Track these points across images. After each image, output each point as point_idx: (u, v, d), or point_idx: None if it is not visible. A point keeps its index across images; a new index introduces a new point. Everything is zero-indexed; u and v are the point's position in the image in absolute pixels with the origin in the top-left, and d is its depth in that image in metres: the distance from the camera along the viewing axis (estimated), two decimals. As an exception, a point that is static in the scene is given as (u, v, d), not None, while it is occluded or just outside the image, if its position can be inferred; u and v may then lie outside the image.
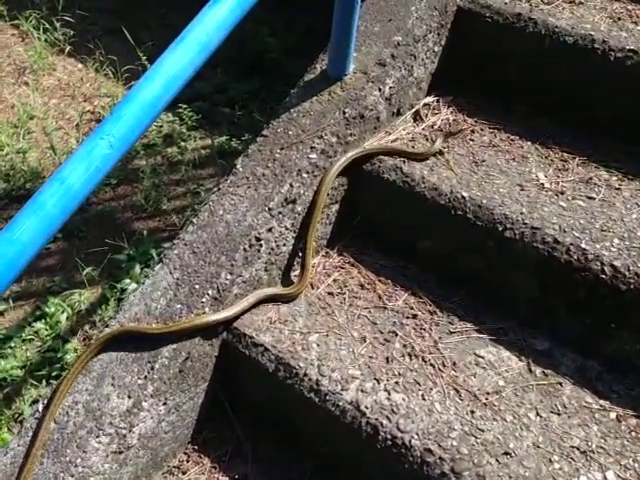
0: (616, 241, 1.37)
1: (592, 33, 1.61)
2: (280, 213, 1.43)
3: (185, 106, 3.24)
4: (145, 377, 1.21)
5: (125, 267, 2.46)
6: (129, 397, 1.19)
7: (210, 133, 3.24)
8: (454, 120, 1.73)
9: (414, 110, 1.74)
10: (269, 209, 1.42)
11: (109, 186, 3.06)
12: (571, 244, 1.36)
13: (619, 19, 1.73)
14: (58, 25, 3.60)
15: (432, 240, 1.53)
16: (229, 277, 1.35)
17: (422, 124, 1.72)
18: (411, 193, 1.52)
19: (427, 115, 1.74)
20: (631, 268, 1.31)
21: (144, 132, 1.04)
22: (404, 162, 1.56)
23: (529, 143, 1.66)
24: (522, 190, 1.51)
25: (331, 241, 1.59)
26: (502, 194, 1.49)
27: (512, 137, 1.68)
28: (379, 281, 1.52)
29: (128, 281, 2.36)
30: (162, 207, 2.83)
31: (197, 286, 1.33)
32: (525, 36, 1.67)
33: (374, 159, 1.56)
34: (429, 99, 1.78)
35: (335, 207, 1.57)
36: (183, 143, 3.18)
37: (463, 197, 1.47)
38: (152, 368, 1.22)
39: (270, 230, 1.41)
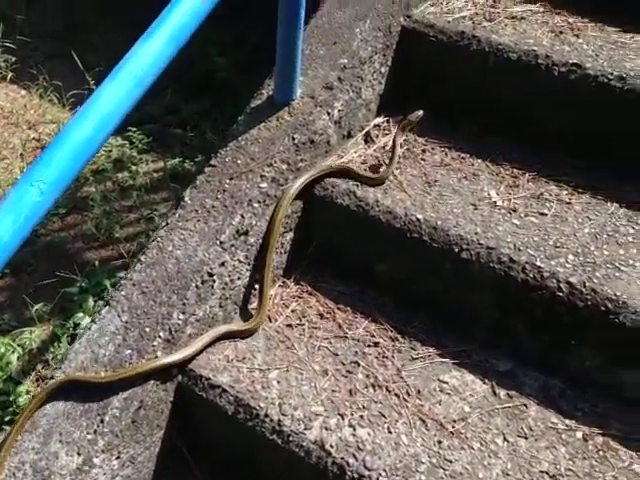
0: (571, 257, 1.38)
1: (535, 48, 1.63)
2: (232, 246, 1.39)
3: (135, 129, 3.16)
4: (95, 431, 1.14)
5: (78, 300, 2.37)
6: (79, 454, 1.13)
7: (162, 156, 3.16)
8: (405, 140, 1.72)
9: (365, 132, 1.72)
10: (221, 242, 1.37)
11: (57, 216, 2.95)
12: (526, 262, 1.36)
13: (561, 32, 1.75)
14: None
15: (389, 264, 1.51)
16: (181, 317, 1.29)
17: (373, 145, 1.70)
18: (365, 217, 1.49)
19: (378, 136, 1.73)
20: (587, 284, 1.31)
21: (78, 174, 0.98)
22: (357, 186, 1.53)
23: (479, 161, 1.66)
24: (476, 209, 1.50)
25: (287, 270, 1.55)
26: (456, 214, 1.48)
27: (463, 155, 1.68)
28: (338, 309, 1.49)
29: (81, 315, 2.27)
30: (114, 235, 2.74)
31: (147, 329, 1.27)
32: (469, 54, 1.67)
33: (327, 184, 1.54)
34: (379, 120, 1.77)
35: (290, 235, 1.54)
36: (134, 167, 3.10)
37: (418, 219, 1.46)
38: (102, 421, 1.15)
39: (223, 264, 1.37)
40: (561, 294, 1.32)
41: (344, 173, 1.56)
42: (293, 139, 1.51)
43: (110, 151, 3.21)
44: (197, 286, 1.32)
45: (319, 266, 1.57)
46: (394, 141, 1.62)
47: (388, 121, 1.77)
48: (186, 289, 1.31)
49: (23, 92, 3.58)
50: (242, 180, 1.46)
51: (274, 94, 1.56)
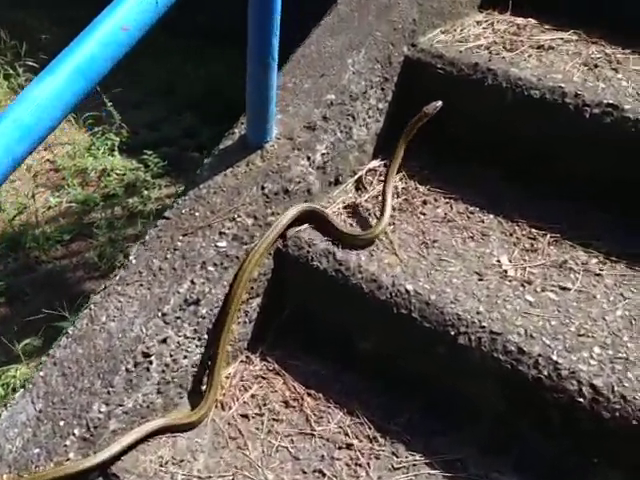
0: (596, 350, 1.09)
1: (563, 85, 1.35)
2: (178, 318, 1.15)
3: (150, 152, 3.00)
4: None
5: (67, 336, 2.17)
6: None
7: (176, 180, 3.01)
8: (404, 189, 1.46)
9: (356, 177, 1.47)
10: (163, 314, 1.14)
11: (61, 243, 2.81)
12: (540, 355, 1.08)
13: (596, 66, 1.47)
14: (21, 71, 3.40)
15: (372, 341, 1.25)
16: (104, 409, 1.06)
17: (365, 194, 1.45)
18: (346, 285, 1.24)
19: (372, 183, 1.47)
20: (616, 389, 1.02)
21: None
22: (338, 245, 1.28)
23: (491, 216, 1.39)
24: (480, 280, 1.23)
25: (253, 343, 1.31)
26: (456, 286, 1.21)
27: (471, 209, 1.41)
28: (308, 395, 1.23)
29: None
30: (117, 264, 2.55)
31: (62, 422, 1.04)
32: (484, 90, 1.41)
33: (302, 242, 1.29)
34: (375, 163, 1.52)
35: (257, 301, 1.29)
36: (146, 192, 2.93)
37: (407, 291, 1.19)
38: None
39: (164, 341, 1.13)
40: (582, 400, 1.03)
41: (319, 219, 1.32)
42: (262, 188, 1.28)
43: (124, 174, 3.07)
44: (127, 370, 1.09)
45: (291, 339, 1.31)
46: (384, 188, 1.37)
47: (386, 165, 1.52)
48: (114, 373, 1.08)
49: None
50: (197, 237, 1.22)
51: (247, 134, 1.34)
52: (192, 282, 1.17)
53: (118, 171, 3.05)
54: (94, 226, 2.79)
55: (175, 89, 3.45)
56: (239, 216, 1.24)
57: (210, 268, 1.20)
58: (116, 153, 3.08)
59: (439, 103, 1.35)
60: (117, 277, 1.21)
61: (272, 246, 1.27)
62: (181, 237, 1.23)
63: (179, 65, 3.50)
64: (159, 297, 1.16)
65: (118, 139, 3.07)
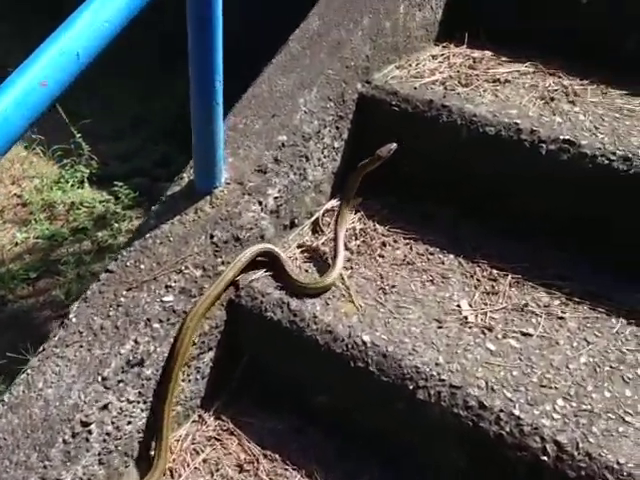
0: (560, 402, 1.04)
1: (518, 121, 1.32)
2: (121, 382, 1.08)
3: (121, 184, 2.93)
4: None
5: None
6: None
7: (148, 211, 2.94)
8: (362, 230, 1.42)
9: (313, 219, 1.43)
10: (103, 379, 1.07)
11: (27, 281, 2.72)
12: (501, 410, 1.02)
13: (552, 99, 1.44)
14: None
15: (330, 395, 1.19)
16: (38, 486, 0.99)
17: (322, 236, 1.40)
18: (300, 337, 1.18)
19: (329, 224, 1.43)
20: (580, 445, 0.97)
21: None
22: (291, 295, 1.23)
23: (451, 257, 1.35)
24: (440, 327, 1.18)
25: (206, 401, 1.24)
26: (414, 335, 1.16)
27: (431, 249, 1.37)
28: (264, 456, 1.16)
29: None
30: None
31: (-8, 503, 0.97)
32: (439, 127, 1.37)
33: (255, 292, 1.23)
34: (333, 202, 1.47)
35: (209, 355, 1.23)
36: (117, 225, 2.86)
37: (364, 343, 1.14)
38: None
39: (105, 407, 1.06)
40: (546, 458, 0.98)
41: (274, 262, 1.26)
42: (211, 237, 1.22)
43: (93, 207, 2.99)
44: (65, 441, 1.02)
45: (246, 395, 1.25)
46: (336, 234, 1.32)
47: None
48: (50, 445, 1.01)
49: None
50: (142, 292, 1.16)
51: (195, 180, 1.28)
52: (135, 341, 1.11)
53: (87, 204, 2.98)
54: (61, 262, 2.72)
55: (149, 117, 3.39)
56: (186, 267, 1.18)
57: (155, 325, 1.13)
58: (86, 185, 3.01)
59: (393, 145, 1.31)
60: (56, 337, 1.14)
61: (220, 298, 1.21)
62: (125, 292, 1.16)
63: (153, 91, 3.42)
64: (99, 359, 1.09)
65: (88, 171, 3.00)
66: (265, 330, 1.22)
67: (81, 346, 1.11)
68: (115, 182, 2.92)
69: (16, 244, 2.83)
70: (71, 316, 1.16)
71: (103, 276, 1.20)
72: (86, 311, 1.16)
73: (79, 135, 3.01)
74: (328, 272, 1.26)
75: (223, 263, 1.22)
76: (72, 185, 3.02)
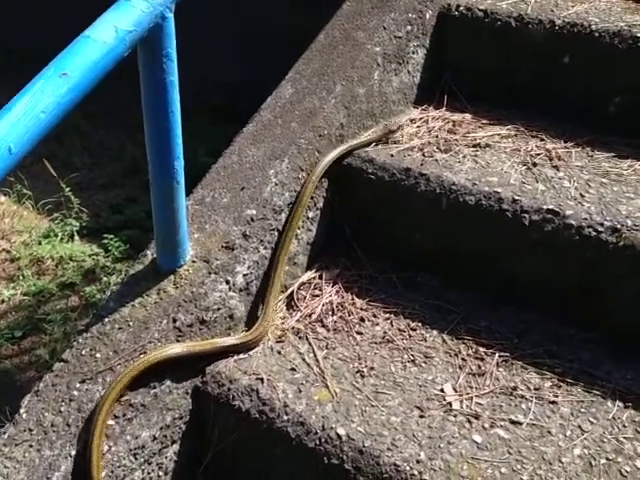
0: (553, 505, 0.95)
1: (499, 190, 1.26)
2: (70, 487, 0.99)
3: (112, 236, 2.88)
4: None
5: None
6: None
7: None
8: (339, 304, 1.34)
9: (288, 293, 1.35)
10: (50, 486, 0.98)
11: (12, 340, 2.63)
12: (489, 516, 0.93)
13: (535, 164, 1.39)
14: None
15: (304, 494, 1.09)
16: None
17: (297, 313, 1.32)
18: (271, 429, 1.08)
19: (305, 298, 1.35)
20: None
21: None
22: (262, 381, 1.14)
23: (435, 332, 1.26)
24: (422, 416, 1.08)
25: (168, 500, 1.14)
26: (394, 426, 1.06)
27: (413, 324, 1.28)
28: None
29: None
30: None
31: None
32: (417, 196, 1.31)
33: (223, 379, 1.15)
34: (309, 275, 1.39)
35: (173, 449, 1.13)
36: (106, 279, 2.79)
37: (339, 436, 1.05)
38: None
39: (51, 519, 0.96)
40: None
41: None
42: (174, 321, 1.14)
43: (83, 261, 2.93)
44: None
45: (214, 492, 1.15)
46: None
47: (321, 276, 1.39)
48: None
49: (2, 199, 3.38)
50: (97, 384, 1.07)
51: (158, 258, 1.21)
52: (86, 442, 1.01)
53: (77, 258, 2.91)
54: (47, 320, 2.64)
55: (142, 165, 3.37)
56: (145, 355, 1.10)
57: (110, 422, 1.04)
58: (76, 238, 2.95)
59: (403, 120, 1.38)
60: (6, 435, 1.04)
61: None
62: (78, 384, 1.07)
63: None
64: (49, 462, 0.99)
65: (78, 224, 2.95)
66: (233, 421, 1.13)
67: (31, 445, 1.02)
68: (105, 235, 2.88)
69: (2, 301, 2.76)
70: (22, 411, 1.07)
71: (57, 366, 1.11)
72: (37, 406, 1.07)
73: (68, 189, 2.98)
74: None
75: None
76: (62, 239, 2.96)
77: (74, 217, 2.97)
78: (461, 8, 1.57)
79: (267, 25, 2.98)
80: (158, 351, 1.10)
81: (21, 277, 2.82)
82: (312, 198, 1.36)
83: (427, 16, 1.57)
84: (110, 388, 1.05)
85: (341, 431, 1.05)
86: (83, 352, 1.12)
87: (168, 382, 1.11)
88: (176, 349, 1.11)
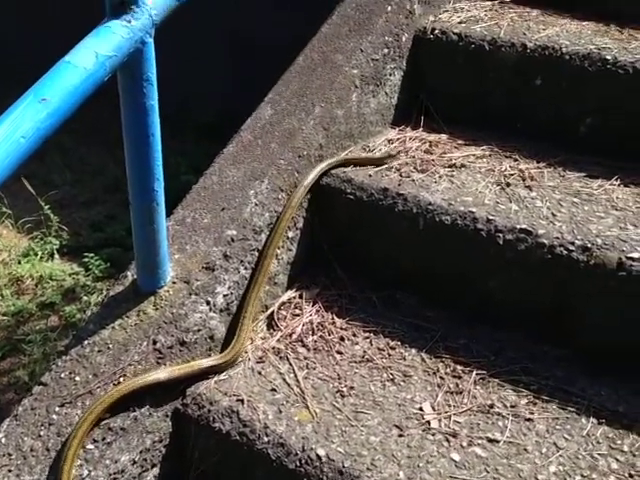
0: (530, 522, 0.96)
1: (473, 210, 1.29)
2: (48, 514, 0.98)
3: (92, 254, 2.85)
4: None
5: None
6: None
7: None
8: (320, 324, 1.35)
9: (268, 313, 1.36)
10: (28, 512, 0.97)
11: None
12: (467, 535, 0.94)
13: (508, 185, 1.42)
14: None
15: (285, 515, 1.10)
16: None
17: (278, 333, 1.33)
18: (251, 451, 1.09)
19: (285, 318, 1.36)
20: None
21: None
22: (242, 403, 1.15)
23: (413, 351, 1.28)
24: (401, 435, 1.10)
25: (148, 524, 1.13)
26: (373, 446, 1.07)
27: (392, 343, 1.30)
28: None
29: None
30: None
31: None
32: (395, 216, 1.33)
33: (203, 401, 1.15)
34: (289, 294, 1.41)
35: (153, 473, 1.12)
36: (86, 298, 2.76)
37: (319, 457, 1.05)
38: None
39: None
40: None
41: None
42: (154, 343, 1.14)
43: (63, 280, 2.89)
44: None
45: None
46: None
47: (301, 296, 1.41)
48: None
49: (-20, 218, 3.35)
50: (76, 408, 1.07)
51: (138, 279, 1.22)
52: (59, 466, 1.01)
53: (56, 277, 2.89)
54: (26, 341, 2.60)
55: (122, 183, 3.36)
56: (125, 378, 1.10)
57: (89, 446, 1.04)
58: (56, 257, 2.92)
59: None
60: (-19, 463, 1.03)
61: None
62: (58, 408, 1.07)
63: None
64: (27, 488, 0.99)
65: (58, 242, 2.92)
66: (214, 443, 1.13)
67: (10, 470, 1.01)
68: (85, 254, 2.86)
69: (-19, 322, 2.72)
70: (1, 436, 1.06)
71: (36, 389, 1.11)
72: (16, 430, 1.06)
73: (48, 207, 2.96)
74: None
75: (167, 370, 1.14)
76: (41, 258, 2.93)
77: (54, 235, 2.95)
78: (436, 31, 1.62)
79: (255, 42, 3.01)
80: (133, 380, 1.09)
81: (0, 297, 2.78)
82: (292, 217, 1.38)
83: (403, 39, 1.60)
84: (82, 419, 1.04)
85: (321, 452, 1.06)
86: (62, 375, 1.11)
87: (148, 405, 1.11)
88: (154, 376, 1.11)
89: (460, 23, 1.68)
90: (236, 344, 1.23)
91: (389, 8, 1.60)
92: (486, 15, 1.73)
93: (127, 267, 1.26)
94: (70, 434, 1.03)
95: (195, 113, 3.29)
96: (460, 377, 1.22)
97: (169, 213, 1.30)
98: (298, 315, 1.37)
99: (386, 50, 1.58)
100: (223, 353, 1.23)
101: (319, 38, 1.56)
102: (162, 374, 1.12)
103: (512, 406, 1.16)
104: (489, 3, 1.81)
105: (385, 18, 1.59)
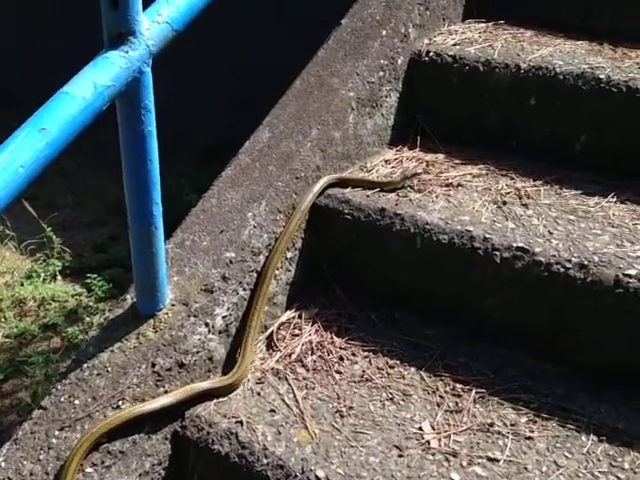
0: (531, 542, 0.96)
1: (470, 229, 1.30)
2: (47, 539, 0.98)
3: (95, 275, 2.86)
4: None
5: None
6: None
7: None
8: (319, 343, 1.35)
9: (268, 333, 1.37)
10: (27, 537, 0.97)
11: None
12: None
13: (505, 203, 1.43)
14: None
15: (285, 538, 1.09)
16: None
17: (277, 353, 1.33)
18: (250, 473, 1.08)
19: (284, 338, 1.37)
20: None
21: None
22: (241, 424, 1.15)
23: (413, 369, 1.28)
24: (400, 456, 1.09)
25: None
26: (373, 467, 1.07)
27: (392, 362, 1.30)
28: None
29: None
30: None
31: None
32: (393, 235, 1.35)
33: (202, 423, 1.15)
34: (288, 315, 1.41)
35: (152, 496, 1.13)
36: (88, 319, 2.77)
37: (318, 479, 1.05)
38: None
39: None
40: None
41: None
42: (153, 365, 1.15)
43: (65, 301, 2.91)
44: None
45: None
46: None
47: (300, 316, 1.41)
48: None
49: (-17, 241, 3.38)
50: (75, 432, 1.07)
51: (137, 302, 1.23)
52: (61, 491, 1.01)
53: (59, 298, 2.90)
54: (28, 362, 2.61)
55: (125, 204, 3.38)
56: (124, 401, 1.10)
57: (88, 470, 1.04)
58: (59, 279, 2.94)
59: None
60: (-19, 487, 1.04)
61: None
62: (57, 432, 1.07)
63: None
64: (26, 514, 0.99)
65: (60, 264, 2.94)
66: (213, 465, 1.13)
67: (7, 497, 1.01)
68: (88, 275, 2.87)
69: (-17, 345, 2.74)
70: (0, 460, 1.06)
71: (36, 413, 1.11)
72: (16, 454, 1.06)
73: (50, 228, 2.98)
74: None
75: (167, 392, 1.14)
76: (44, 279, 2.95)
77: (57, 257, 2.97)
78: (431, 54, 1.64)
79: (254, 67, 3.05)
80: (130, 409, 1.09)
81: (3, 319, 2.80)
82: (290, 239, 1.39)
83: (399, 62, 1.63)
84: (78, 445, 1.04)
85: (320, 473, 1.06)
86: (62, 399, 1.12)
87: (147, 428, 1.11)
88: (154, 404, 1.11)
89: (454, 45, 1.70)
90: (241, 366, 1.22)
91: (384, 32, 1.63)
92: (480, 37, 1.76)
93: (127, 290, 1.27)
94: (67, 459, 1.03)
95: (196, 136, 3.33)
96: (460, 395, 1.22)
97: (170, 234, 1.32)
98: (297, 335, 1.38)
99: (382, 73, 1.60)
100: (229, 375, 1.22)
101: (315, 62, 1.59)
102: (167, 399, 1.12)
103: (512, 424, 1.15)
104: (483, 25, 1.84)
105: (380, 42, 1.61)
